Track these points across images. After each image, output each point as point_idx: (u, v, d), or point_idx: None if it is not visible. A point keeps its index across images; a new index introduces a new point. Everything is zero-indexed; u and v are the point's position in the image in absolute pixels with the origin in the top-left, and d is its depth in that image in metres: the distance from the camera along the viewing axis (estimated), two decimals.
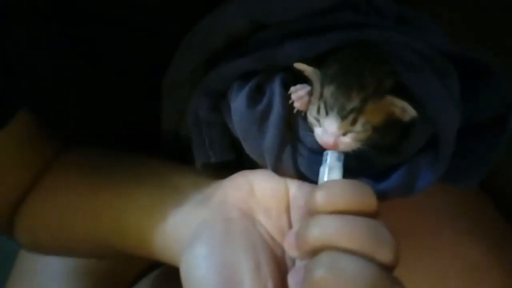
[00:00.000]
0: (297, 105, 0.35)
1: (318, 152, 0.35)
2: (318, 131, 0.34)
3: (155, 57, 0.41)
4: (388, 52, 0.35)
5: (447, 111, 0.34)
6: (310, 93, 0.35)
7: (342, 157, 0.34)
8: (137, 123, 0.45)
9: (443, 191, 0.48)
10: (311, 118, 0.35)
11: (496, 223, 0.49)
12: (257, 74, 0.37)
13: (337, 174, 0.33)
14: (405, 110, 0.33)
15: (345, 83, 0.33)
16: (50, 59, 0.41)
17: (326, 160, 0.34)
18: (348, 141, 0.34)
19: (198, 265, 0.33)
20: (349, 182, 0.31)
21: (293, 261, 0.34)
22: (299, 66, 0.35)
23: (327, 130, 0.34)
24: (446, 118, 0.34)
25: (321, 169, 0.34)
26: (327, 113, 0.33)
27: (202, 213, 0.36)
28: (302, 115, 0.36)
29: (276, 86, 0.36)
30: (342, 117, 0.33)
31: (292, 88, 0.35)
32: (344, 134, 0.34)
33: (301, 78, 0.36)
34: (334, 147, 0.34)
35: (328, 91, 0.33)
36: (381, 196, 0.33)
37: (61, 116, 0.44)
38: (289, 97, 0.35)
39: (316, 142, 0.35)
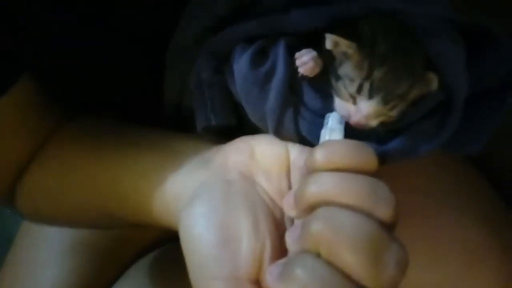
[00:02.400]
0: (301, 70, 0.35)
1: (320, 116, 0.35)
2: (349, 108, 0.33)
3: (160, 30, 0.41)
4: (406, 21, 0.34)
5: (461, 75, 0.34)
6: (316, 59, 0.35)
7: (343, 120, 0.34)
8: (140, 99, 0.46)
9: (443, 173, 0.48)
10: (343, 90, 0.33)
11: (495, 205, 0.49)
12: (262, 38, 0.37)
13: (338, 136, 0.33)
14: (432, 85, 0.33)
15: (396, 66, 0.32)
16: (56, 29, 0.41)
17: (327, 122, 0.34)
18: (376, 123, 0.33)
19: (196, 223, 0.33)
20: (349, 141, 0.31)
21: (292, 223, 0.34)
22: (333, 38, 0.33)
23: (363, 111, 0.33)
24: (461, 83, 0.34)
25: (322, 131, 0.34)
26: (371, 96, 0.33)
27: (202, 175, 0.36)
28: (306, 81, 0.35)
29: (280, 50, 0.36)
30: (386, 102, 0.32)
31: (297, 54, 0.35)
32: (377, 116, 0.33)
33: (306, 43, 0.35)
34: (362, 126, 0.33)
35: (378, 74, 0.32)
36: (383, 158, 0.33)
37: (64, 86, 0.44)
38: (293, 61, 0.35)
39: (323, 107, 0.35)
